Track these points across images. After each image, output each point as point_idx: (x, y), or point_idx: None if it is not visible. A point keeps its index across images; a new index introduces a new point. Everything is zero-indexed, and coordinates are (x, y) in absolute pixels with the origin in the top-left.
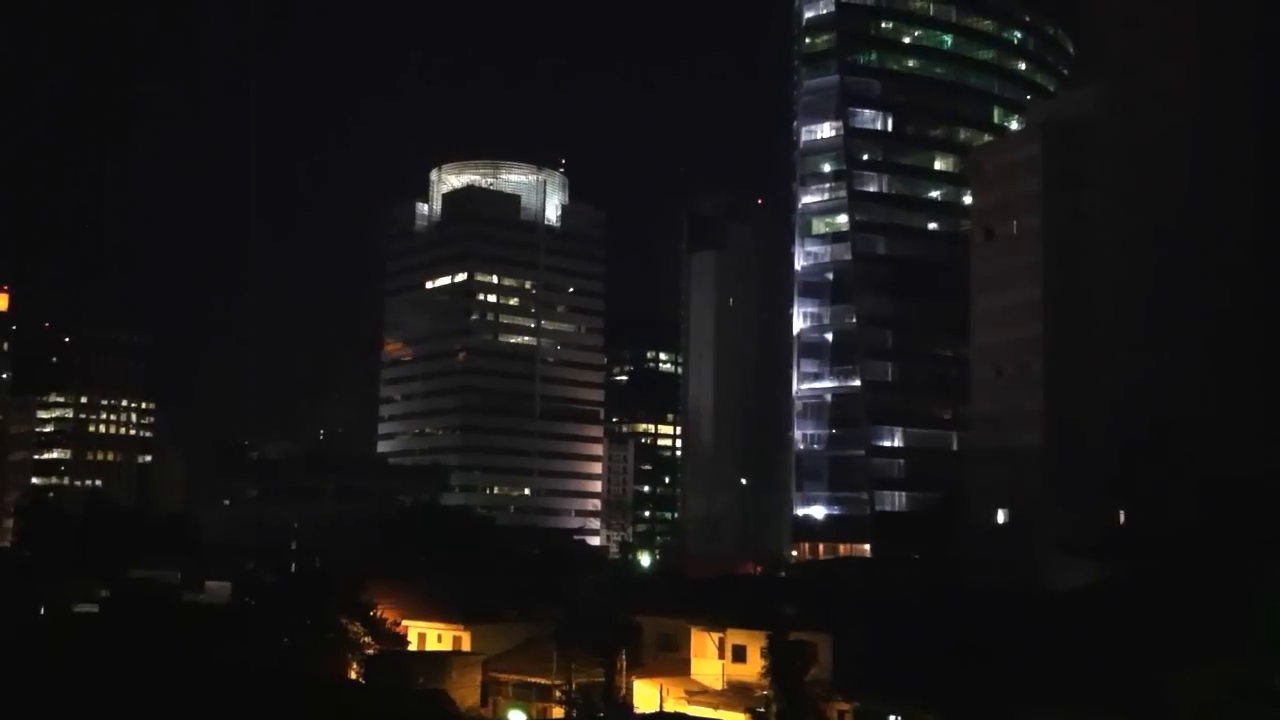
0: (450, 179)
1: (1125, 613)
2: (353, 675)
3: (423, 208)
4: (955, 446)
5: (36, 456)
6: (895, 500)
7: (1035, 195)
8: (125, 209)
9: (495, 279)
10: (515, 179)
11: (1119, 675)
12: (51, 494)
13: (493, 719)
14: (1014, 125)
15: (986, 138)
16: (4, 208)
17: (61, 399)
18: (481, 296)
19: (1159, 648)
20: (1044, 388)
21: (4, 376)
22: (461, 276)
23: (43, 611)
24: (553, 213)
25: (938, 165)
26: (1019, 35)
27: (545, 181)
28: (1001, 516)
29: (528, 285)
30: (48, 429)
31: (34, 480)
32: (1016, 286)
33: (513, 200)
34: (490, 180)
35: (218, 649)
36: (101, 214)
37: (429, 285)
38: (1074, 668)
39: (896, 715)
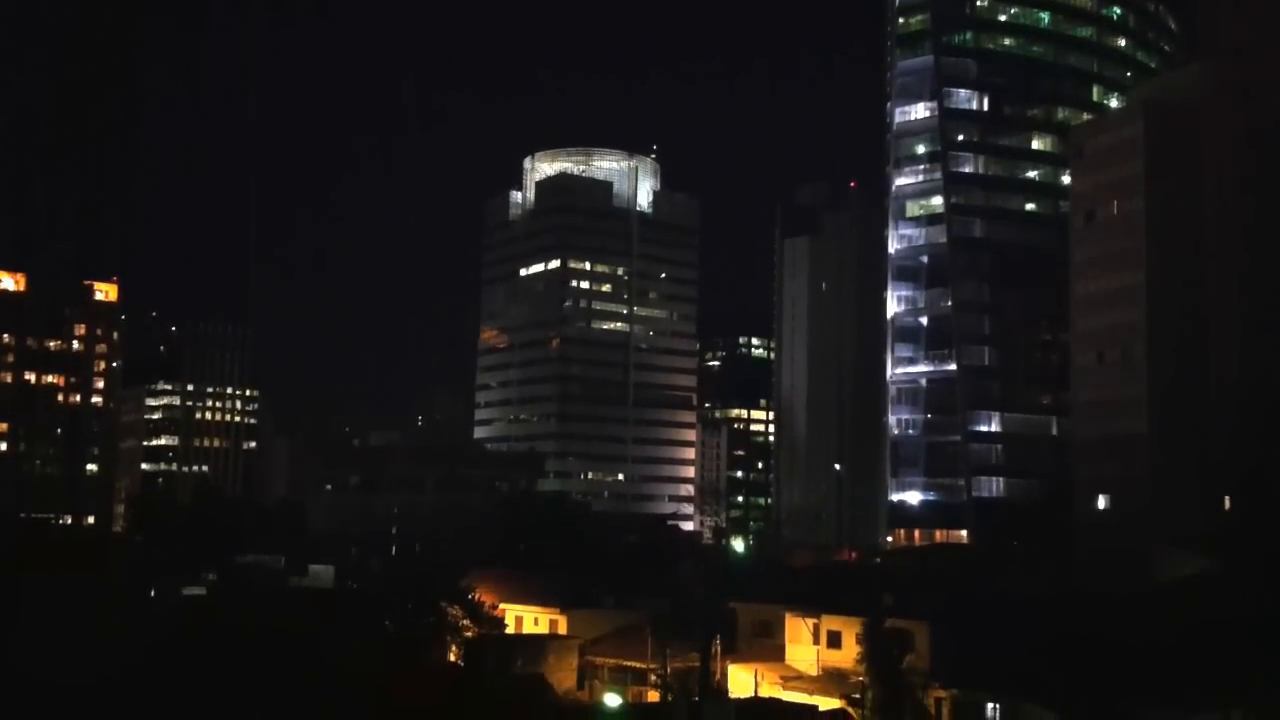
0: (543, 167)
1: (1242, 606)
2: (452, 658)
3: (516, 196)
4: (1055, 432)
5: (146, 443)
6: (993, 486)
7: (1137, 177)
8: (229, 204)
9: (588, 266)
10: (607, 166)
11: (1235, 672)
12: (160, 479)
13: (589, 702)
14: (1115, 104)
15: (1086, 117)
16: (115, 201)
17: (169, 387)
18: (575, 284)
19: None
20: (1148, 374)
21: (115, 365)
22: (555, 264)
23: (153, 595)
24: (645, 200)
25: (1035, 146)
26: (1119, 11)
27: (637, 168)
28: (1103, 503)
29: (620, 272)
30: (156, 416)
31: (144, 466)
32: (1118, 270)
33: (605, 187)
34: (582, 168)
35: (320, 632)
36: (206, 208)
37: (523, 273)
38: (1186, 664)
39: (997, 705)
